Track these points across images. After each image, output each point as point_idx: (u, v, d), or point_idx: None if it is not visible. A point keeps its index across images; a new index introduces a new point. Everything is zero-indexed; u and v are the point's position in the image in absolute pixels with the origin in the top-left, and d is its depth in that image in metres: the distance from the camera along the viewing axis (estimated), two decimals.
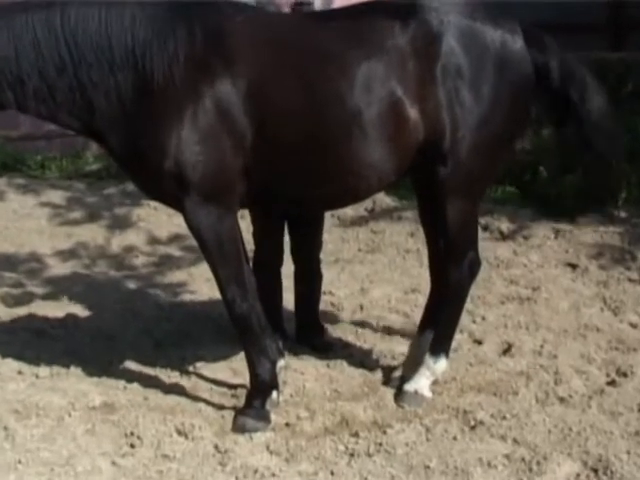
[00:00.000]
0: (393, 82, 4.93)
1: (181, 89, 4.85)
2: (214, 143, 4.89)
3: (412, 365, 5.56)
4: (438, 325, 5.51)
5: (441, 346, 5.44)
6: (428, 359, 5.42)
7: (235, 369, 5.83)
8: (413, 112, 4.94)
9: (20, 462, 4.61)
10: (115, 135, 5.01)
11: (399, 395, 5.40)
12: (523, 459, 4.61)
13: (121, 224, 9.38)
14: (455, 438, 4.86)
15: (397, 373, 5.75)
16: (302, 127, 4.97)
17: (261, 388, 5.17)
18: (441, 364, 5.43)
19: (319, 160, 5.03)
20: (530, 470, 4.52)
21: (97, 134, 5.10)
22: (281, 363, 5.44)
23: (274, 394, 5.17)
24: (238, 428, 5.02)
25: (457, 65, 4.97)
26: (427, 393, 5.36)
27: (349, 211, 10.02)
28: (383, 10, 5.15)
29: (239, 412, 5.15)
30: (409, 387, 5.37)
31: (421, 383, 5.38)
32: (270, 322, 5.56)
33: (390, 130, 4.95)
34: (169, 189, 4.99)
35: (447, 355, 5.46)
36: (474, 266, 5.50)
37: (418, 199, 5.67)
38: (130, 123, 4.93)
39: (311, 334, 6.32)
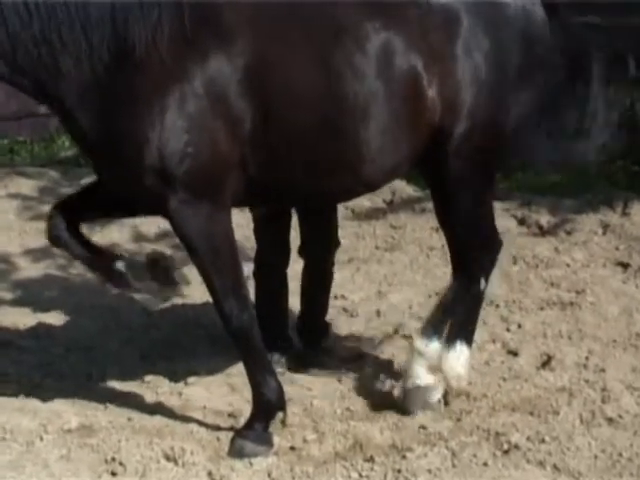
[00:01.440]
0: (412, 56, 4.98)
1: (167, 66, 4.80)
2: (205, 131, 4.88)
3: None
4: (438, 306, 5.62)
5: (435, 327, 5.53)
6: (417, 342, 5.53)
7: (232, 384, 5.87)
8: (431, 90, 5.00)
9: None
10: (84, 112, 4.91)
11: (400, 397, 5.53)
12: None
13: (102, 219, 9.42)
14: (486, 464, 4.85)
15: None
16: (312, 109, 4.99)
17: (265, 409, 5.16)
18: (433, 346, 5.50)
19: (330, 146, 5.05)
20: None
21: (61, 106, 4.98)
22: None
23: (279, 415, 5.19)
24: (236, 452, 5.02)
25: (479, 41, 5.06)
26: (428, 380, 5.47)
27: (365, 202, 10.02)
28: None
29: (237, 434, 5.15)
30: (408, 385, 5.49)
31: (418, 372, 5.48)
32: (274, 329, 5.62)
33: (408, 110, 5.00)
34: (150, 185, 4.90)
35: (440, 336, 5.53)
36: (486, 267, 5.62)
37: (432, 192, 5.67)
38: (104, 100, 4.86)
39: (317, 340, 6.35)
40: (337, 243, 6.46)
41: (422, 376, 5.42)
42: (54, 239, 5.26)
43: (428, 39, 5.00)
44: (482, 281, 5.53)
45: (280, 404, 5.18)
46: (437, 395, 5.43)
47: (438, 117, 5.06)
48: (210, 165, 4.89)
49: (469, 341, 5.69)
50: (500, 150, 5.34)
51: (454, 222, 5.40)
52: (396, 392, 5.55)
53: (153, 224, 9.38)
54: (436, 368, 5.48)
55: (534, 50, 5.19)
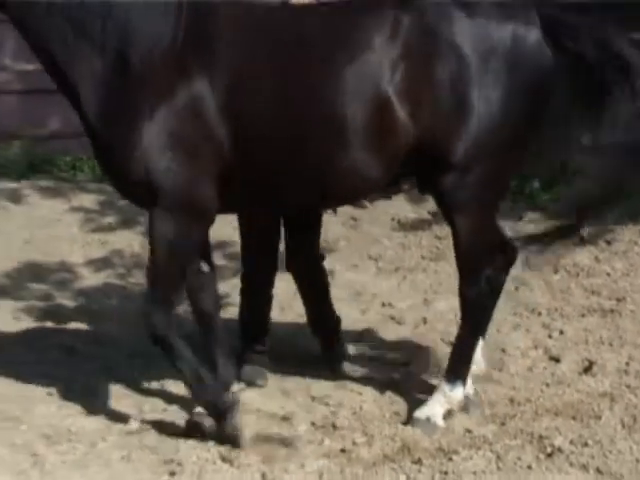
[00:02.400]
0: (379, 83, 4.92)
1: (157, 83, 4.91)
2: (187, 148, 4.95)
3: None
4: (454, 348, 5.53)
5: (457, 371, 5.45)
6: (444, 385, 5.43)
7: (285, 389, 5.88)
8: (402, 114, 4.92)
9: None
10: (89, 102, 5.03)
11: (410, 421, 5.40)
12: None
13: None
14: (530, 467, 4.84)
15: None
16: (284, 130, 5.00)
17: (207, 408, 5.23)
18: (457, 392, 5.41)
19: (301, 163, 5.07)
20: None
21: (71, 90, 5.09)
22: (235, 388, 5.50)
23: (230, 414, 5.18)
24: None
25: (457, 66, 4.92)
26: (440, 422, 5.33)
27: (410, 214, 10.05)
28: (377, 4, 5.15)
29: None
30: (420, 414, 5.37)
31: (434, 410, 5.37)
32: (255, 339, 6.01)
33: (375, 132, 4.95)
34: (135, 191, 5.11)
35: (464, 382, 5.45)
36: (495, 281, 5.47)
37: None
38: (106, 99, 4.98)
39: (331, 344, 6.31)
40: (321, 257, 6.40)
41: (438, 415, 5.34)
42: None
43: (399, 66, 4.92)
44: (489, 291, 5.42)
45: (220, 402, 5.21)
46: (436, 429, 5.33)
47: (413, 140, 4.96)
48: (190, 180, 4.97)
49: (483, 335, 5.68)
50: (496, 171, 5.13)
51: (455, 235, 5.30)
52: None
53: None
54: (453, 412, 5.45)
55: (524, 72, 5.01)
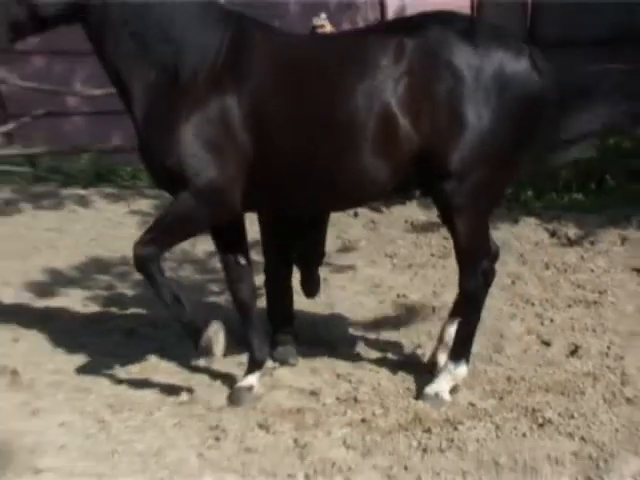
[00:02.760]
0: (385, 97, 4.90)
1: (196, 95, 4.99)
2: (216, 152, 4.99)
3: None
4: (457, 332, 5.50)
5: (461, 352, 5.42)
6: (449, 364, 5.42)
7: (314, 368, 5.89)
8: (405, 124, 4.89)
9: (115, 452, 4.72)
10: (139, 107, 5.13)
11: (420, 396, 5.38)
12: (590, 457, 4.57)
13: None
14: (524, 435, 4.84)
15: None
16: (300, 140, 5.01)
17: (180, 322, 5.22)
18: (461, 369, 5.41)
19: (312, 170, 5.06)
20: (597, 467, 4.47)
21: (127, 98, 5.19)
22: (269, 364, 5.63)
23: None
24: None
25: (456, 82, 4.87)
26: (446, 396, 5.32)
27: (421, 217, 10.08)
28: (385, 30, 5.16)
29: None
30: (430, 390, 5.35)
31: (442, 387, 5.35)
32: (281, 326, 6.05)
33: (381, 140, 4.93)
34: (170, 185, 5.15)
35: (467, 361, 5.44)
36: (489, 276, 5.44)
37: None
38: (154, 104, 5.07)
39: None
40: (323, 254, 6.45)
41: (445, 391, 5.33)
42: None
43: (402, 83, 4.90)
44: (483, 283, 5.38)
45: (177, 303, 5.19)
46: (443, 403, 5.30)
47: (415, 147, 4.92)
48: (216, 181, 5.01)
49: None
50: (490, 178, 5.06)
51: (453, 236, 5.27)
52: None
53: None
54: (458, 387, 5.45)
55: (513, 93, 4.95)
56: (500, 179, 5.22)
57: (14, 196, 12.30)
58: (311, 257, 6.33)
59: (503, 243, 8.97)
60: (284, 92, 5.03)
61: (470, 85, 4.88)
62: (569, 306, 7.12)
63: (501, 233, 9.24)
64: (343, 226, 9.70)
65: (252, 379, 5.49)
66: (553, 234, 9.33)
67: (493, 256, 5.59)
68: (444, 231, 9.17)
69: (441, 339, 5.72)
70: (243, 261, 5.52)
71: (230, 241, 5.50)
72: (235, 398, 5.37)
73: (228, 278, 5.58)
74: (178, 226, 5.17)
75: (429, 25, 5.02)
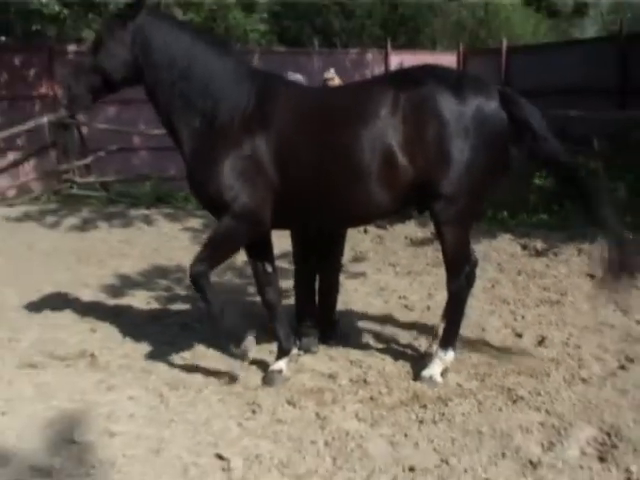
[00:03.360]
0: (387, 139, 4.91)
1: (232, 135, 5.02)
2: (249, 182, 5.01)
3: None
4: (445, 325, 5.48)
5: (448, 341, 5.39)
6: (439, 352, 5.38)
7: (331, 355, 5.86)
8: (403, 161, 4.90)
9: (173, 420, 4.73)
10: (187, 147, 5.17)
11: (418, 378, 5.33)
12: (553, 426, 4.54)
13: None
14: (501, 410, 4.80)
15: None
16: (317, 172, 5.00)
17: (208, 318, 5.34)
18: (449, 355, 5.38)
19: (328, 196, 5.05)
20: (559, 434, 4.44)
21: (177, 136, 5.23)
22: (294, 352, 5.59)
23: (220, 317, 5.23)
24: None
25: (441, 126, 4.87)
26: (439, 378, 5.28)
27: (419, 234, 10.08)
28: (385, 83, 5.15)
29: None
30: (425, 373, 5.31)
31: (434, 370, 5.31)
32: (307, 318, 6.05)
33: (384, 174, 4.94)
34: (214, 209, 5.17)
35: (454, 348, 5.41)
36: (470, 278, 5.45)
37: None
38: (198, 146, 5.12)
39: (328, 329, 6.23)
40: (340, 265, 6.40)
41: (437, 374, 5.29)
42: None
43: (400, 127, 4.90)
44: (466, 285, 5.37)
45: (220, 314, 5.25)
46: (436, 384, 5.25)
47: (412, 179, 4.92)
48: (249, 205, 5.03)
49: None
50: (471, 199, 5.03)
51: (442, 246, 5.21)
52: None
53: (277, 247, 9.42)
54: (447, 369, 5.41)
55: (486, 130, 4.94)
56: (478, 200, 5.18)
57: (92, 215, 12.41)
58: (331, 265, 6.27)
59: (484, 254, 9.00)
60: (303, 134, 5.04)
61: (453, 127, 4.87)
62: (537, 305, 7.07)
63: (482, 246, 9.23)
64: (355, 240, 9.68)
65: (281, 364, 5.46)
66: (524, 247, 9.31)
67: (473, 264, 5.54)
68: (436, 244, 9.17)
69: (436, 334, 5.67)
70: (270, 269, 5.51)
71: (259, 253, 5.49)
72: (268, 379, 5.35)
73: (258, 283, 5.57)
74: (223, 245, 5.18)
75: (420, 79, 5.02)
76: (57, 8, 15.05)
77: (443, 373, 5.34)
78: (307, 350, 5.94)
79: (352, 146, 4.93)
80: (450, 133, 4.88)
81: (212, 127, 5.08)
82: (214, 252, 5.19)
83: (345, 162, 4.95)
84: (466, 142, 4.90)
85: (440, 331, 5.57)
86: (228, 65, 5.19)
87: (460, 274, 5.25)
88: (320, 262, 6.17)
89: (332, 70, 6.36)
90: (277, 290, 5.56)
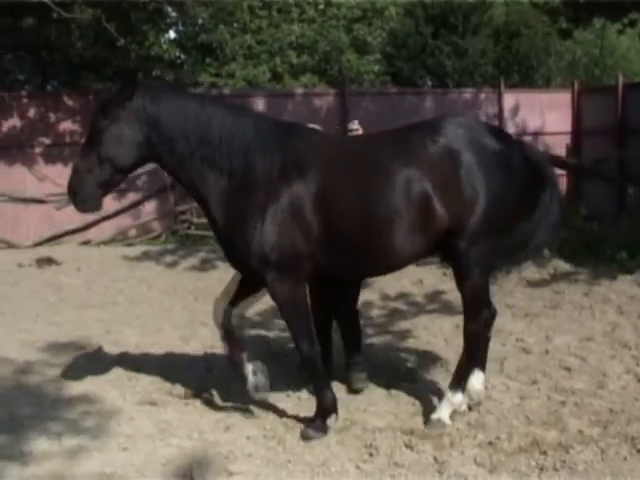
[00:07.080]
0: (424, 186, 4.99)
1: (268, 189, 5.03)
2: (288, 234, 5.02)
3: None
4: (456, 368, 5.50)
5: (457, 384, 5.40)
6: (448, 394, 5.39)
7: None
8: (439, 207, 4.99)
9: (289, 462, 4.79)
10: (218, 211, 5.14)
11: (427, 423, 5.33)
12: None
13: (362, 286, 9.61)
14: (625, 459, 4.68)
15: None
16: (355, 221, 5.05)
17: (323, 410, 5.26)
18: (457, 397, 5.38)
19: (367, 245, 5.09)
20: None
21: (205, 205, 5.20)
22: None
23: (333, 416, 5.27)
24: (303, 435, 5.18)
25: (472, 171, 4.99)
26: (447, 421, 5.28)
27: (535, 275, 9.98)
28: (417, 131, 5.24)
29: (305, 425, 5.30)
30: (434, 416, 5.32)
31: (443, 413, 5.32)
32: (352, 354, 6.18)
33: (422, 222, 5.01)
34: (254, 267, 5.11)
35: (463, 390, 5.41)
36: (488, 320, 5.50)
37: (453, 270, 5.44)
38: (230, 206, 5.10)
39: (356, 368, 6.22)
40: (357, 312, 6.44)
41: (445, 416, 5.31)
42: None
43: (437, 171, 4.99)
44: (485, 327, 5.46)
45: (334, 409, 5.29)
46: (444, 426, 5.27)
47: (446, 224, 5.02)
48: (291, 256, 5.05)
49: (483, 367, 5.61)
50: (491, 244, 5.14)
51: (461, 290, 5.26)
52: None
53: (393, 288, 9.50)
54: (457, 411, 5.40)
55: (512, 174, 5.10)
56: (499, 244, 5.23)
57: (210, 255, 12.75)
58: (348, 312, 6.35)
59: (603, 296, 8.82)
60: (341, 182, 5.09)
61: (479, 171, 5.01)
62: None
63: (602, 288, 9.03)
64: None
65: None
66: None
67: (493, 311, 5.60)
68: (554, 286, 9.55)
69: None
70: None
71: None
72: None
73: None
74: (295, 310, 5.21)
75: (445, 129, 5.14)
76: (177, 53, 15.67)
77: (452, 416, 5.34)
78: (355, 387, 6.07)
79: (389, 193, 5.01)
80: (477, 177, 5.00)
81: (242, 186, 5.07)
82: (297, 324, 5.24)
83: (383, 209, 5.03)
84: (490, 182, 5.02)
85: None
86: (248, 121, 5.20)
87: (479, 318, 5.31)
88: (339, 306, 6.32)
89: (356, 122, 6.63)
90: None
